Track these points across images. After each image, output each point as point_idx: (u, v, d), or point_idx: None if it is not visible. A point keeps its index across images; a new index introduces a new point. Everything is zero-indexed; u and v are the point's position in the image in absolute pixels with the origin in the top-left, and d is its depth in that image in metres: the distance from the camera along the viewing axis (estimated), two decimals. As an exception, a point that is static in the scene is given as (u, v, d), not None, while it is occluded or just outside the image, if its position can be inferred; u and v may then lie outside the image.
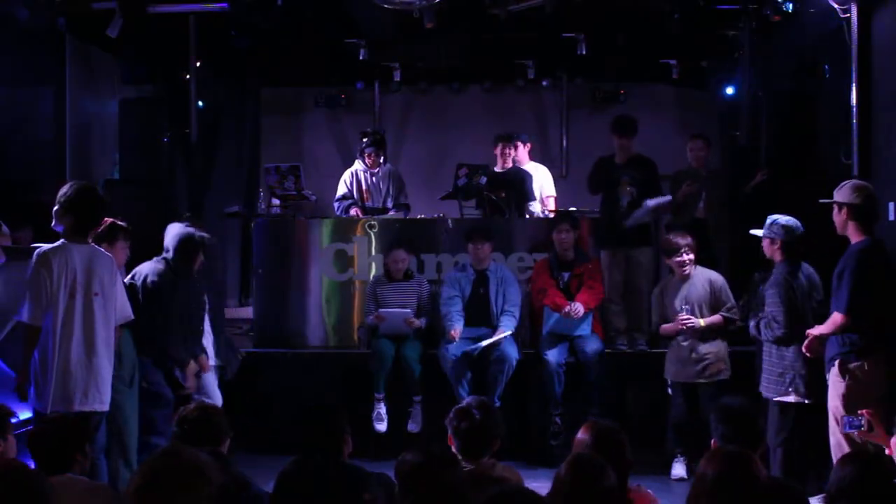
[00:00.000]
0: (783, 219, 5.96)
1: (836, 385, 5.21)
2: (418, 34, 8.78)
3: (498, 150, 8.61)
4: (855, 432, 4.67)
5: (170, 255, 6.13)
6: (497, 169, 8.57)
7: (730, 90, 10.17)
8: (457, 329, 7.19)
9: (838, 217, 5.28)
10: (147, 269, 6.10)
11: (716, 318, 6.71)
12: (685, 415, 6.71)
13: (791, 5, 8.03)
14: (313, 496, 3.79)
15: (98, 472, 5.03)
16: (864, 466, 3.21)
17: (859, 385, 5.12)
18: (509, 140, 8.66)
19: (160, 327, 5.97)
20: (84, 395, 5.05)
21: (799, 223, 5.95)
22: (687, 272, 6.77)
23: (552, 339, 7.23)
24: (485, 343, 7.12)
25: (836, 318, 5.22)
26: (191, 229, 6.23)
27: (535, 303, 7.53)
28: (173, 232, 6.21)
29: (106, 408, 5.16)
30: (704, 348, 6.68)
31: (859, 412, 4.69)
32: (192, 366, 6.09)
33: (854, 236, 5.25)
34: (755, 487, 3.07)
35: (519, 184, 8.50)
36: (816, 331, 5.45)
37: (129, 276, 6.05)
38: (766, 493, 3.09)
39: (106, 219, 5.62)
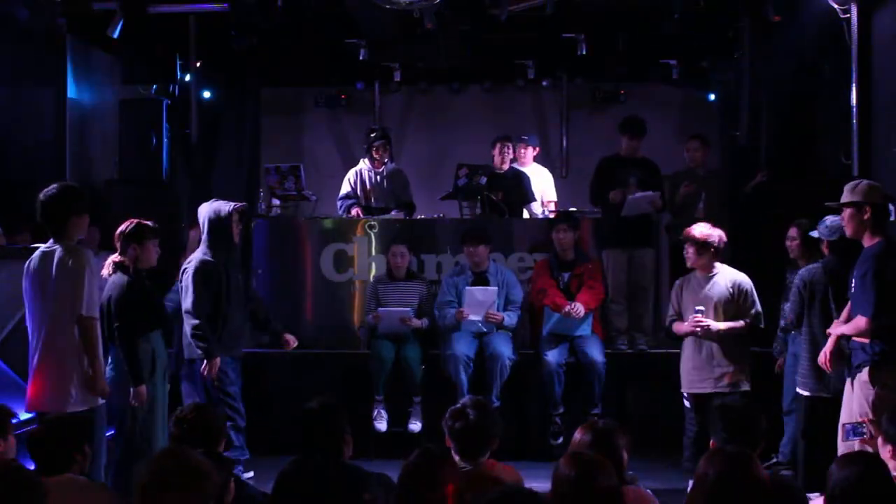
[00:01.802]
0: None
1: (864, 392, 4.99)
2: (418, 34, 8.78)
3: (496, 151, 8.58)
4: (857, 440, 4.64)
5: (205, 235, 6.13)
6: (496, 170, 8.56)
7: (724, 92, 10.17)
8: (458, 310, 7.17)
9: (857, 217, 5.01)
10: (193, 261, 6.14)
11: (737, 323, 6.33)
12: (703, 430, 5.99)
13: None
14: (313, 496, 3.79)
15: (98, 472, 5.03)
16: (865, 467, 3.21)
17: (888, 391, 4.92)
18: (507, 140, 8.64)
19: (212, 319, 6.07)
20: (41, 396, 5.03)
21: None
22: (689, 265, 6.45)
23: (552, 340, 7.22)
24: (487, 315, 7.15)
25: (860, 321, 4.98)
26: (218, 203, 6.21)
27: (535, 303, 7.52)
28: (203, 213, 6.20)
29: (79, 408, 4.95)
30: (722, 355, 6.29)
31: (859, 419, 4.65)
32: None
33: (868, 239, 5.02)
34: (756, 488, 3.07)
35: (517, 184, 8.50)
36: (839, 330, 5.23)
37: (182, 274, 6.14)
38: (767, 493, 3.09)
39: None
